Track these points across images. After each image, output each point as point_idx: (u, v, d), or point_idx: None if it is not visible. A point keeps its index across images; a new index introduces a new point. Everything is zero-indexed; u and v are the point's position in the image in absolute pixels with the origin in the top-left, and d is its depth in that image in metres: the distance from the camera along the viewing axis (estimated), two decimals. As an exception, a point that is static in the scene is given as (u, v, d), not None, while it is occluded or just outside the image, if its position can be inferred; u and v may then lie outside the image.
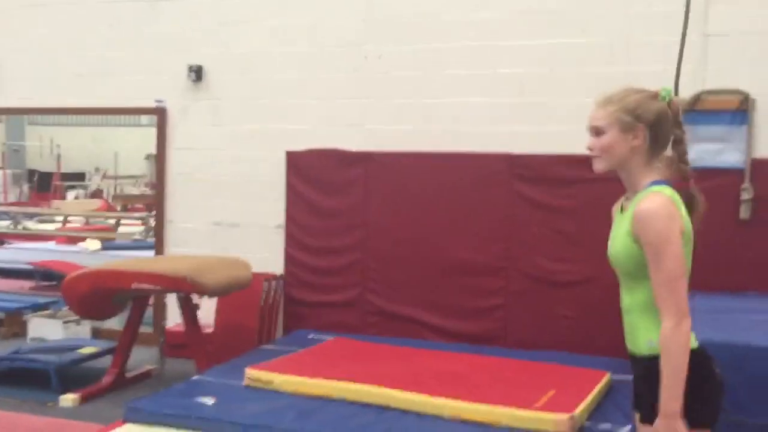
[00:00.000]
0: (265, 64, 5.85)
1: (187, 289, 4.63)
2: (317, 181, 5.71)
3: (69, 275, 4.84)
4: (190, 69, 5.92)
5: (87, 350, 5.11)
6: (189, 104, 6.04)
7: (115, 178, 15.46)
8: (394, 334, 5.41)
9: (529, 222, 5.26)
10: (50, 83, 6.38)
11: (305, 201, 5.74)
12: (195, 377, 4.30)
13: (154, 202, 6.36)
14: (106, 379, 4.81)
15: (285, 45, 5.82)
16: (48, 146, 15.94)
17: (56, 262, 8.13)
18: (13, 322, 6.27)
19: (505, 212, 5.31)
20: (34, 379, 4.80)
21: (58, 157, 15.75)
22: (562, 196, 5.20)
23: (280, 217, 5.83)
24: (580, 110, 5.15)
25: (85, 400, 4.59)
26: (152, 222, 6.39)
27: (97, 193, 14.98)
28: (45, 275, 7.98)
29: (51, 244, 9.81)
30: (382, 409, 3.77)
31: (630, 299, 2.01)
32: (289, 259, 5.77)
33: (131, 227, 10.23)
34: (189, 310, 4.87)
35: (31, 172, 16.62)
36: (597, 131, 1.99)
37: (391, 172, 5.58)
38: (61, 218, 11.12)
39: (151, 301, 5.51)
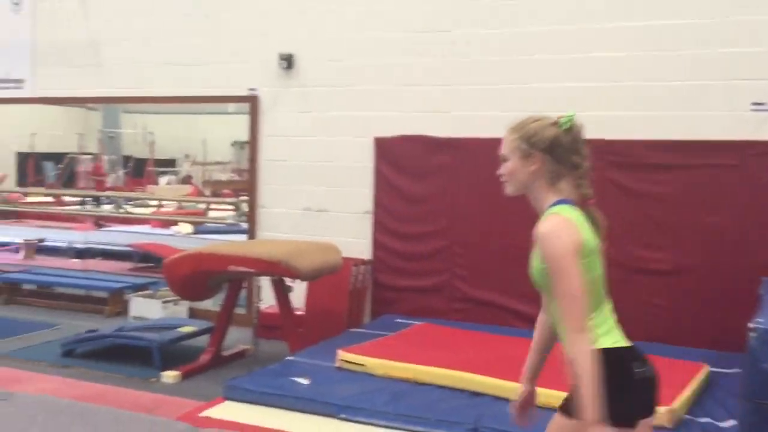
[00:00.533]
0: (354, 50, 5.92)
1: (281, 272, 4.77)
2: (405, 167, 5.76)
3: (170, 257, 5.05)
4: (282, 57, 6.06)
5: (186, 329, 5.34)
6: (280, 92, 6.18)
7: (203, 164, 15.98)
8: (480, 321, 5.41)
9: (620, 209, 5.13)
10: (147, 72, 6.66)
11: (393, 187, 5.79)
12: (289, 357, 4.43)
13: (244, 188, 6.55)
14: (204, 358, 5.01)
15: (373, 31, 5.87)
16: (141, 133, 16.57)
17: (153, 244, 8.49)
18: (116, 301, 6.61)
19: (595, 199, 5.20)
20: (136, 355, 5.04)
21: (152, 143, 16.35)
22: (654, 182, 5.08)
23: (367, 202, 5.91)
24: (674, 94, 5.09)
25: (185, 376, 4.80)
26: (244, 207, 6.58)
27: (186, 179, 15.53)
28: (143, 257, 8.36)
29: (146, 228, 10.24)
30: (474, 395, 3.80)
31: (555, 314, 2.06)
32: (376, 245, 5.84)
33: (221, 212, 10.54)
34: (282, 293, 5.01)
35: (126, 158, 17.33)
36: (503, 158, 2.12)
37: (479, 158, 5.55)
38: (154, 202, 11.57)
39: (245, 283, 5.70)
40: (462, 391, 3.86)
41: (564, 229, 1.97)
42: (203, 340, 5.30)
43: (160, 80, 6.60)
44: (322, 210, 6.06)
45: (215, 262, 4.86)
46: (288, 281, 5.13)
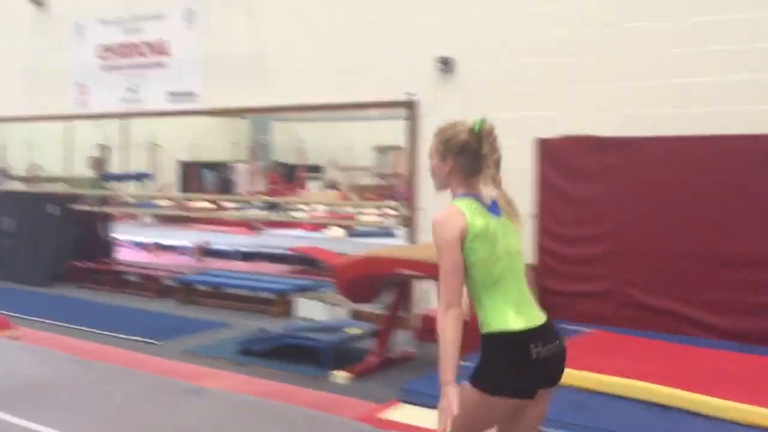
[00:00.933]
0: (514, 50, 5.82)
1: (448, 276, 4.74)
2: (570, 169, 5.58)
3: (338, 261, 5.18)
4: (440, 60, 6.07)
5: (352, 331, 5.45)
6: (438, 95, 6.19)
7: (348, 169, 16.38)
8: (652, 329, 5.13)
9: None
10: (309, 82, 6.89)
11: (557, 189, 5.63)
12: (462, 362, 4.39)
13: (388, 192, 6.61)
14: (372, 359, 5.08)
15: (534, 31, 5.75)
16: (290, 140, 17.23)
17: (311, 248, 8.77)
18: (282, 302, 6.88)
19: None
20: (306, 354, 5.18)
21: (302, 150, 16.94)
22: None
23: (527, 205, 5.79)
24: None
25: (355, 377, 4.90)
26: (402, 211, 6.64)
27: (332, 184, 15.98)
28: (302, 260, 8.66)
29: (299, 231, 10.63)
30: (661, 408, 3.59)
31: (468, 286, 2.31)
32: (539, 248, 5.71)
33: (369, 216, 10.77)
34: (448, 297, 4.98)
35: (276, 165, 18.06)
36: (429, 158, 2.40)
37: (650, 158, 5.29)
38: (305, 207, 11.97)
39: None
40: (647, 403, 3.66)
41: (450, 220, 2.25)
42: (366, 341, 5.39)
43: (321, 89, 6.81)
44: (481, 213, 5.99)
45: (383, 265, 4.93)
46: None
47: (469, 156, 2.30)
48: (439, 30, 6.18)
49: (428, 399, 3.84)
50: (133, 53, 7.95)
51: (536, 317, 2.30)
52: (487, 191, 2.33)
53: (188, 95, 7.60)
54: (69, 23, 8.52)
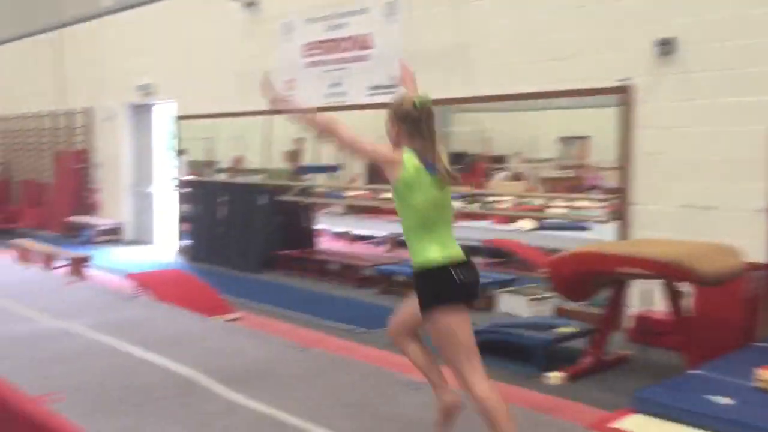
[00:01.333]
0: (749, 29, 5.26)
1: (678, 275, 4.38)
2: (816, 159, 4.96)
3: (554, 256, 4.97)
4: (659, 42, 5.63)
5: (564, 330, 5.21)
6: (657, 80, 5.75)
7: (532, 160, 15.92)
8: None
9: None
10: (512, 71, 6.69)
11: (800, 181, 5.02)
12: (697, 371, 4.03)
13: (574, 185, 6.32)
14: (587, 360, 4.83)
15: (773, 4, 5.16)
16: (474, 131, 17.03)
17: (502, 240, 8.60)
18: (482, 297, 6.74)
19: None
20: (508, 351, 4.99)
21: (487, 140, 16.73)
22: None
23: (761, 199, 5.22)
24: None
25: (569, 379, 4.67)
26: (606, 205, 6.27)
27: (517, 176, 15.62)
28: (493, 252, 8.49)
29: (487, 223, 10.44)
30: None
31: (402, 226, 2.83)
32: (777, 247, 5.13)
33: (559, 209, 10.36)
34: (676, 299, 4.62)
35: (459, 155, 17.95)
36: (386, 125, 2.90)
37: None
38: (492, 198, 11.74)
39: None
40: None
41: (392, 150, 2.79)
42: (575, 340, 5.13)
43: (523, 77, 6.59)
44: (705, 207, 5.50)
45: (602, 262, 4.64)
46: (679, 286, 4.71)
47: (410, 123, 2.77)
48: (657, 9, 5.73)
49: (668, 411, 3.54)
50: (337, 49, 8.18)
51: (457, 254, 2.78)
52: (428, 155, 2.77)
53: (388, 88, 7.68)
54: (277, 23, 8.95)
